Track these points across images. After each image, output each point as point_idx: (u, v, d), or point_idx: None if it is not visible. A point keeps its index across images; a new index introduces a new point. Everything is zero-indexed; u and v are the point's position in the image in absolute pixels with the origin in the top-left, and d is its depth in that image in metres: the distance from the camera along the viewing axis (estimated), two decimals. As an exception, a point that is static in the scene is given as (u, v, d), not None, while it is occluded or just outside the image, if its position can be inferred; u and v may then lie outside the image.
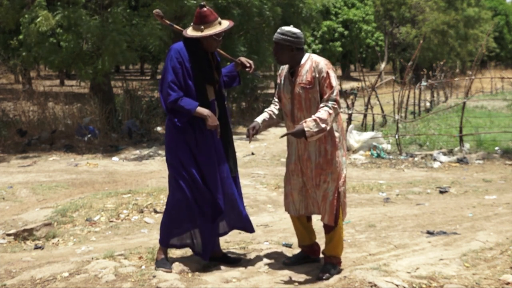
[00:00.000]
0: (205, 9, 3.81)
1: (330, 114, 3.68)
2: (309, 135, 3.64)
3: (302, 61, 3.83)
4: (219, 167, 3.92)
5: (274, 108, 4.11)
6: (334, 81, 3.74)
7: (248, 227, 4.16)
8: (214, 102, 3.95)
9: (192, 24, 3.88)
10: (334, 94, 3.73)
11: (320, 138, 3.78)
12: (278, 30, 3.83)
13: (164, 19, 4.12)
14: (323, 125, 3.65)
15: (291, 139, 3.94)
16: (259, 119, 4.04)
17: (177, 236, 4.01)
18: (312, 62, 3.80)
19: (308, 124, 3.64)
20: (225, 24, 3.88)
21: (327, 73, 3.74)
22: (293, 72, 3.87)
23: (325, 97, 3.73)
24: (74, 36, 11.33)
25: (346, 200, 3.96)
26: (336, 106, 3.71)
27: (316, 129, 3.63)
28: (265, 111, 4.11)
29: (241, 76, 4.33)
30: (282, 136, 3.88)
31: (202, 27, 3.80)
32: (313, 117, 3.67)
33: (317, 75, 3.75)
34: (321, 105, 3.72)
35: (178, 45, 3.88)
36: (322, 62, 3.78)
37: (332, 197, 3.81)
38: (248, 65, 4.11)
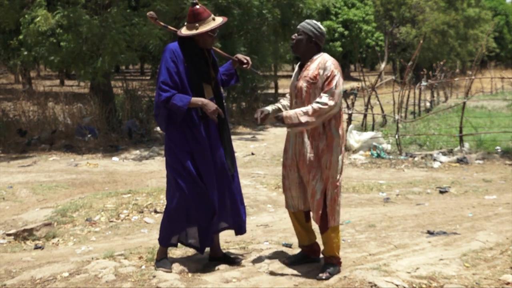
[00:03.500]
0: (197, 6, 3.81)
1: (314, 111, 3.66)
2: (287, 124, 3.71)
3: (314, 57, 3.85)
4: (218, 167, 3.92)
5: (284, 101, 4.11)
6: (335, 82, 3.71)
7: (239, 228, 4.10)
8: (213, 100, 3.95)
9: (186, 23, 3.88)
10: (327, 96, 3.68)
11: (314, 135, 3.79)
12: (307, 20, 3.90)
13: (158, 21, 4.12)
14: (302, 119, 3.66)
15: (291, 134, 3.94)
16: (269, 107, 4.02)
17: (177, 236, 4.01)
18: (322, 59, 3.82)
19: (288, 114, 3.71)
20: (219, 20, 3.88)
21: (331, 72, 3.73)
22: (302, 66, 3.90)
23: (321, 94, 3.72)
24: (74, 36, 11.33)
25: (338, 208, 3.85)
26: (323, 107, 3.66)
27: (293, 121, 3.68)
28: (276, 104, 4.10)
29: (241, 76, 4.32)
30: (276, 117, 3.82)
31: (197, 24, 3.80)
32: (297, 110, 3.72)
33: (322, 73, 3.76)
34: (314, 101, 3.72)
35: (173, 45, 3.88)
36: (330, 61, 3.79)
37: (319, 196, 3.79)
38: (245, 61, 4.11)
